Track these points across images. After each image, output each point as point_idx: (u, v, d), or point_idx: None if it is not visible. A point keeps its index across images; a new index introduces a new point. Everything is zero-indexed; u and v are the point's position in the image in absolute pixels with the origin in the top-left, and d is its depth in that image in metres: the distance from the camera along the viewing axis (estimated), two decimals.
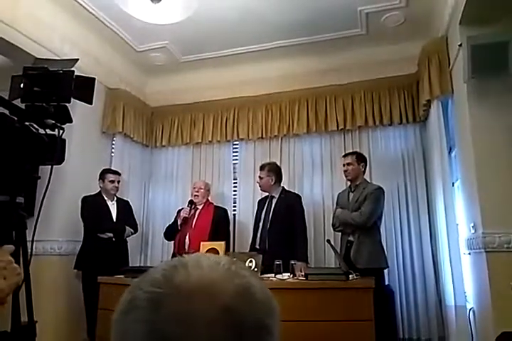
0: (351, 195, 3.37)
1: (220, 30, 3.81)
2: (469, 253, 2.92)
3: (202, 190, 3.81)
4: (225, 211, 3.92)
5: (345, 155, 3.51)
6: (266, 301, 0.47)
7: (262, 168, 3.64)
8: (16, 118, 1.19)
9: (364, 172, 3.44)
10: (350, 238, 3.23)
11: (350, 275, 2.60)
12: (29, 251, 1.19)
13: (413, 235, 3.75)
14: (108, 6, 3.37)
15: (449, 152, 3.42)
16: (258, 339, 0.44)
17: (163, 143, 4.67)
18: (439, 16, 3.38)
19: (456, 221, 3.17)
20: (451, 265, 3.01)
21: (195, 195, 3.78)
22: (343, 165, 3.41)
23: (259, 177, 3.62)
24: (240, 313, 0.44)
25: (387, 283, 3.43)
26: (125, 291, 0.48)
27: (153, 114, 4.77)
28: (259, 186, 3.68)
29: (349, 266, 2.84)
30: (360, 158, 3.44)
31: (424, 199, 3.77)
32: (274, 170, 3.61)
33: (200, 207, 3.81)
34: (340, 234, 3.46)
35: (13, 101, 1.29)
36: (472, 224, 2.76)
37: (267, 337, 0.45)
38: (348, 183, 3.57)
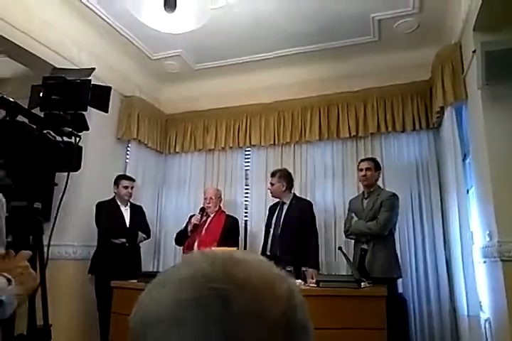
0: (365, 201, 3.35)
1: (233, 38, 3.85)
2: (485, 262, 2.87)
3: (213, 199, 3.83)
4: (236, 220, 3.93)
5: (363, 160, 3.48)
6: (304, 303, 0.48)
7: (273, 174, 3.65)
8: (34, 127, 1.23)
9: (377, 180, 3.43)
10: (364, 246, 3.21)
11: (363, 283, 2.58)
12: (45, 255, 1.22)
13: (427, 243, 3.70)
14: (123, 15, 3.45)
15: (464, 159, 3.38)
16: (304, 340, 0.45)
17: (177, 150, 4.72)
18: (453, 22, 3.36)
19: (471, 229, 3.12)
20: (464, 273, 2.96)
21: (208, 206, 3.81)
22: (361, 170, 3.37)
23: (271, 183, 3.63)
24: (292, 315, 0.44)
25: (400, 291, 3.39)
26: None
27: (168, 120, 4.84)
28: (271, 192, 3.68)
29: (363, 274, 2.81)
30: (378, 165, 3.43)
31: (438, 207, 3.72)
32: (285, 177, 3.62)
33: (212, 215, 3.83)
34: (352, 240, 3.44)
35: (33, 110, 1.34)
36: (487, 232, 2.71)
37: (309, 337, 0.46)
38: (361, 189, 3.55)
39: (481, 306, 3.04)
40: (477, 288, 2.95)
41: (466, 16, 3.00)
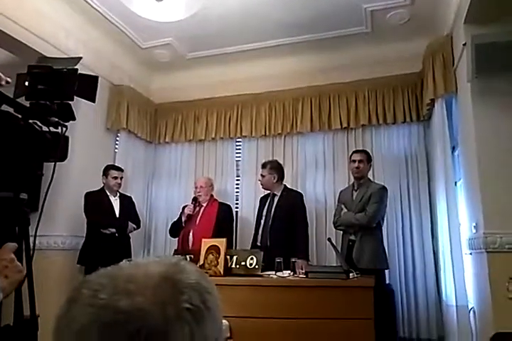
0: (354, 193, 3.37)
1: (224, 27, 3.81)
2: (471, 253, 2.92)
3: (204, 188, 3.82)
4: (230, 207, 3.94)
5: (356, 152, 3.47)
6: (195, 269, 0.53)
7: (263, 166, 3.65)
8: (19, 116, 1.21)
9: (368, 172, 3.46)
10: (352, 237, 3.24)
11: (351, 274, 2.61)
12: (32, 246, 1.21)
13: (415, 234, 3.75)
14: (113, 3, 3.38)
15: (453, 151, 3.41)
16: (200, 296, 0.48)
17: (167, 140, 4.69)
18: (444, 14, 3.36)
19: (459, 220, 3.17)
20: (452, 265, 3.01)
21: (199, 195, 3.80)
22: (354, 162, 3.36)
23: (261, 175, 3.63)
24: (176, 277, 0.49)
25: (387, 282, 3.44)
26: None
27: (157, 110, 4.79)
28: (261, 184, 3.68)
29: (350, 265, 2.85)
30: (369, 158, 3.44)
31: (427, 198, 3.77)
32: (275, 168, 3.62)
33: (204, 204, 3.83)
34: (341, 232, 3.47)
35: (19, 99, 1.31)
36: (474, 224, 2.75)
37: (208, 295, 0.49)
38: (351, 181, 3.57)
39: (466, 296, 3.10)
40: (465, 279, 3.01)
41: (457, 8, 2.99)
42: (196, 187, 3.85)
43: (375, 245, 3.18)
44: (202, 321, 0.46)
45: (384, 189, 3.29)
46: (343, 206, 3.37)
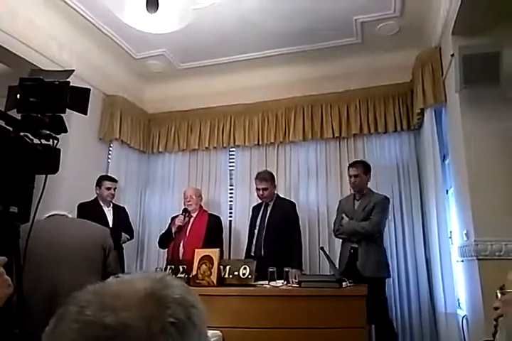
0: (356, 202, 3.37)
1: (217, 38, 3.85)
2: (462, 261, 2.94)
3: (194, 198, 3.82)
4: (219, 219, 3.93)
5: (352, 165, 3.41)
6: (181, 284, 0.53)
7: (264, 179, 3.57)
8: (10, 129, 1.21)
9: (368, 182, 3.42)
10: (354, 245, 3.23)
11: (344, 283, 2.61)
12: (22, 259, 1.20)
13: (407, 242, 3.76)
14: (106, 14, 3.41)
15: (443, 160, 3.45)
16: (185, 311, 0.48)
17: (160, 150, 4.69)
18: (433, 26, 3.43)
19: (450, 228, 3.19)
20: (441, 272, 3.03)
21: (188, 205, 3.80)
22: (350, 176, 3.34)
23: (263, 188, 3.55)
24: (161, 292, 0.49)
25: None
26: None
27: (151, 120, 4.80)
28: (264, 198, 3.61)
29: (353, 273, 2.85)
30: (367, 168, 3.39)
31: (419, 207, 3.79)
32: (273, 179, 3.64)
33: (194, 215, 3.82)
34: (335, 240, 3.47)
35: (10, 112, 1.32)
36: (465, 232, 2.78)
37: (193, 309, 0.50)
38: (344, 190, 3.59)
39: (459, 304, 3.11)
40: (455, 286, 3.02)
41: (445, 20, 3.06)
42: (186, 198, 3.84)
43: (379, 253, 3.20)
44: (186, 335, 0.47)
45: (387, 199, 3.32)
46: (344, 215, 3.35)
